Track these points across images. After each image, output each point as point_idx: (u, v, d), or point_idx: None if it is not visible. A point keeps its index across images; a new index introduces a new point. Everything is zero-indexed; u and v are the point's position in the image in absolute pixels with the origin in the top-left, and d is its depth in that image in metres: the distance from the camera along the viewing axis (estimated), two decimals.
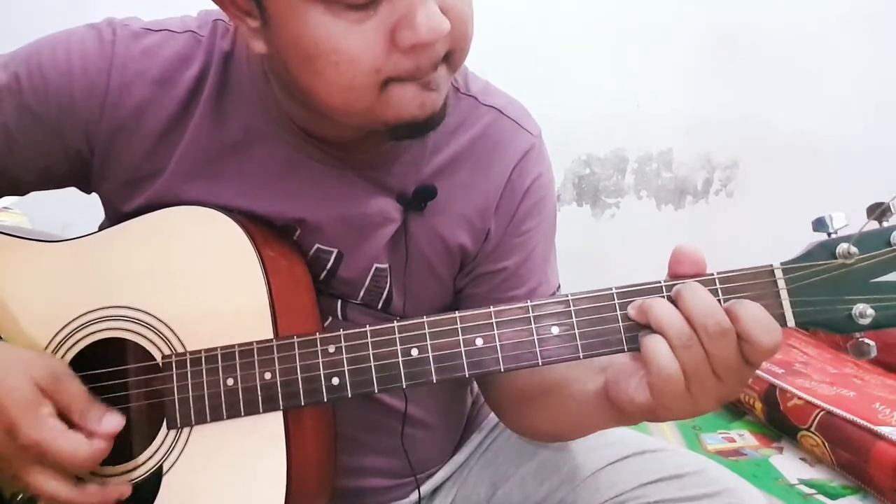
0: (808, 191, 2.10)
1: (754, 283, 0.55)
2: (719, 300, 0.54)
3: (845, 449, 1.39)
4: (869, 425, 1.35)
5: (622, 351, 0.56)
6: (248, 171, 0.69)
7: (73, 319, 0.66)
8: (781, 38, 2.02)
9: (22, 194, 0.73)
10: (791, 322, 0.55)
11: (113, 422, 0.60)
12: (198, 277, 0.65)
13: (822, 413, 1.45)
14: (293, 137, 0.69)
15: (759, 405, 1.61)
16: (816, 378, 1.59)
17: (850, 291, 0.55)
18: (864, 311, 0.54)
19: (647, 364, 0.53)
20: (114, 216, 0.73)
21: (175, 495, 0.62)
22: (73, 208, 1.06)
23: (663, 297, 0.55)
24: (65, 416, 0.60)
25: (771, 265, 0.56)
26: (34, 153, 0.68)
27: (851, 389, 1.50)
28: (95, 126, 0.67)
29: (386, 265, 0.73)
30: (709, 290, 0.54)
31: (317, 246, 0.72)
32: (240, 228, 0.65)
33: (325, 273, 0.73)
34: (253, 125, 0.69)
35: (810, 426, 1.46)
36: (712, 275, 0.56)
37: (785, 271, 0.56)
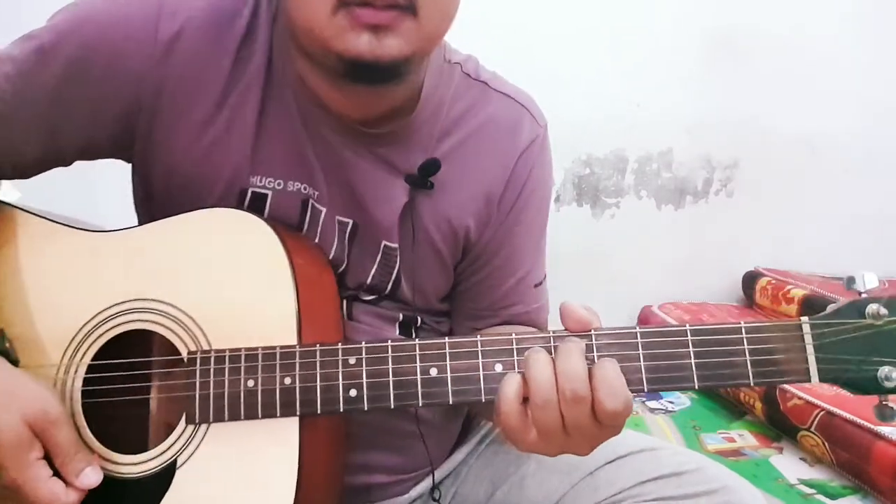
0: (807, 191, 2.10)
1: (781, 336, 0.56)
2: (743, 350, 0.56)
3: (845, 449, 1.39)
4: (869, 425, 1.36)
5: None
6: (268, 137, 0.71)
7: (106, 308, 0.67)
8: (781, 38, 2.02)
9: (68, 164, 0.73)
10: (815, 378, 0.55)
11: (91, 478, 0.60)
12: (230, 279, 0.66)
13: (821, 413, 1.45)
14: (311, 106, 0.70)
15: (758, 405, 1.61)
16: None
17: (878, 353, 0.55)
18: (889, 373, 0.54)
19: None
20: (144, 191, 0.75)
21: (186, 489, 0.63)
22: (75, 209, 1.07)
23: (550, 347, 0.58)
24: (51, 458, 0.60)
25: (799, 320, 0.56)
26: (82, 111, 0.68)
27: None
28: (144, 78, 0.68)
29: (395, 244, 0.74)
30: (733, 337, 0.56)
31: (337, 218, 0.73)
32: (274, 234, 0.66)
33: (342, 268, 0.75)
34: (275, 83, 0.71)
35: (810, 426, 1.46)
36: (738, 324, 0.56)
37: (813, 326, 0.56)
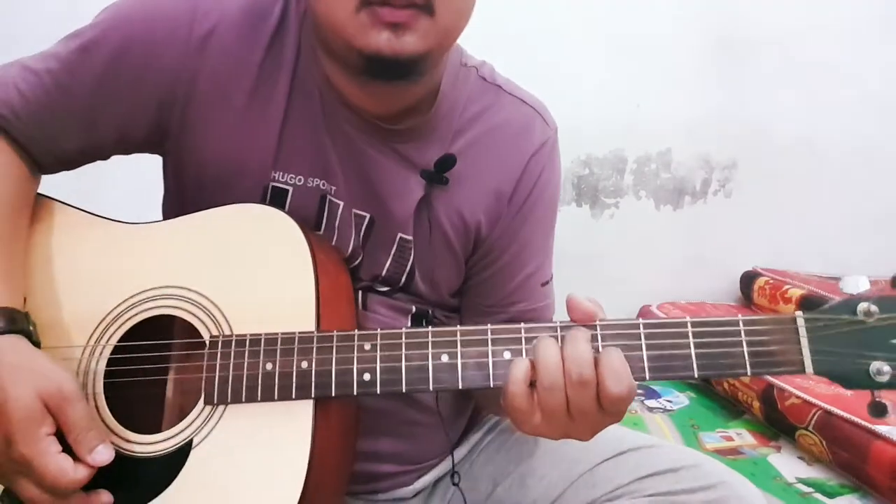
0: (806, 191, 2.11)
1: (777, 328, 0.59)
2: (740, 341, 0.58)
3: (843, 448, 1.39)
4: (867, 424, 1.36)
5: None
6: (291, 132, 0.73)
7: (133, 295, 0.69)
8: (780, 38, 2.02)
9: (106, 157, 0.77)
10: (810, 369, 0.58)
11: (103, 455, 0.61)
12: (255, 269, 0.69)
13: (819, 412, 1.45)
14: (334, 102, 0.73)
15: (757, 404, 1.62)
16: (815, 377, 1.59)
17: (870, 348, 0.57)
18: (881, 368, 0.56)
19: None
20: (176, 185, 0.77)
21: (200, 469, 0.64)
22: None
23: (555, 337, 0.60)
24: (64, 435, 0.61)
25: (794, 314, 0.59)
26: (119, 105, 0.72)
27: None
28: (179, 72, 0.71)
29: (410, 237, 0.76)
30: (731, 329, 0.58)
31: (354, 211, 0.75)
32: (298, 228, 0.69)
33: (357, 262, 0.77)
34: (301, 80, 0.73)
35: (808, 425, 1.47)
36: (736, 317, 0.59)
37: (807, 320, 0.58)
